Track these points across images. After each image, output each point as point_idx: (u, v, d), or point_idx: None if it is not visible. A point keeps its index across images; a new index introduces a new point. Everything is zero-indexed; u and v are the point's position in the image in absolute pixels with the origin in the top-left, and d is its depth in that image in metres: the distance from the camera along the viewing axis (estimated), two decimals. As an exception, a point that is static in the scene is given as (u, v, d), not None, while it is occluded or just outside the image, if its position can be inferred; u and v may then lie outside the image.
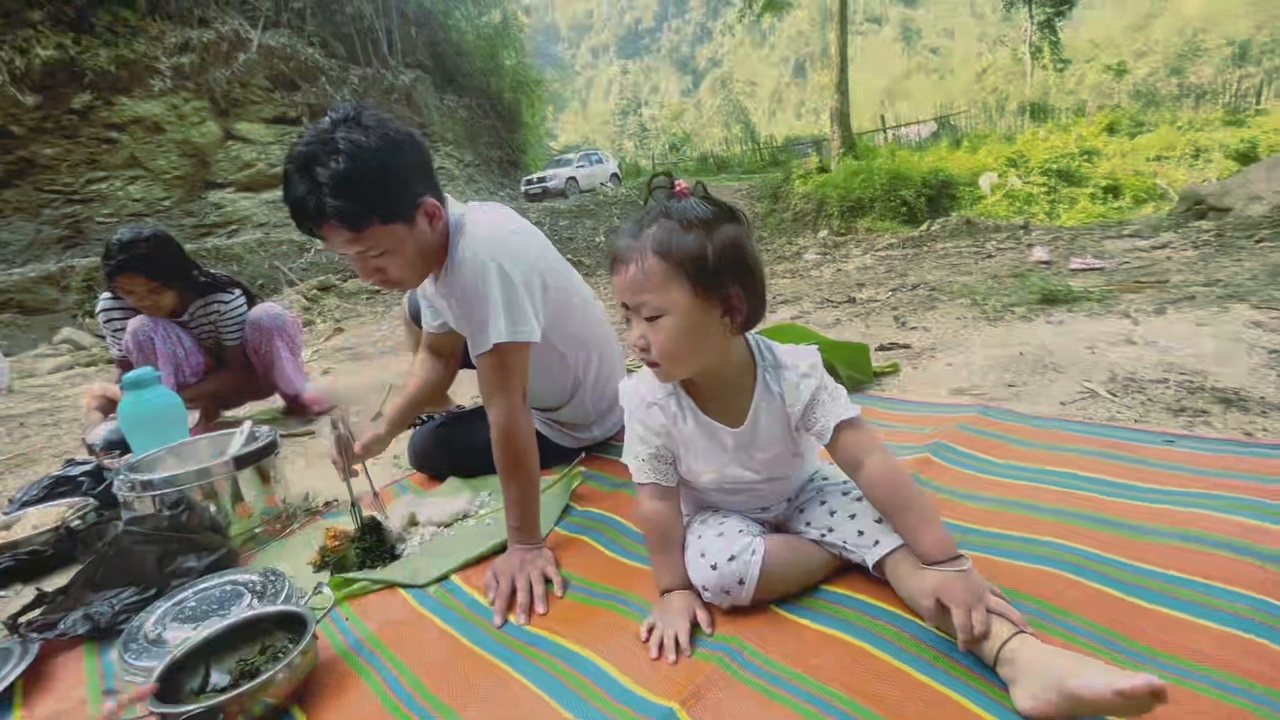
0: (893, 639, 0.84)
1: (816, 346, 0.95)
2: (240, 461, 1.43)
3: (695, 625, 0.92)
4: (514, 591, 1.09)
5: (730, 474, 0.96)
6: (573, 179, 16.40)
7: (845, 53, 13.97)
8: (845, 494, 0.97)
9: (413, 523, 1.38)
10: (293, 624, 0.99)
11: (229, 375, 2.36)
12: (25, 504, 1.61)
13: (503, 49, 18.81)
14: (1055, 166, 12.94)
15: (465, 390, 2.22)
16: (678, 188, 0.87)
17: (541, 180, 16.17)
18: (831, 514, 0.96)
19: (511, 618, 1.05)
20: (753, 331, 0.95)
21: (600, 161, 18.40)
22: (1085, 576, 0.90)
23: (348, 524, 1.34)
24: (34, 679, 1.05)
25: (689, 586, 0.96)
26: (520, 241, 1.28)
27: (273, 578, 1.19)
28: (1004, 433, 1.40)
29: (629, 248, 0.86)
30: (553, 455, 1.46)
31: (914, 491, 0.86)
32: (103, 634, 1.12)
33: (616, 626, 0.98)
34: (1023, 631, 0.75)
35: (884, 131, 19.93)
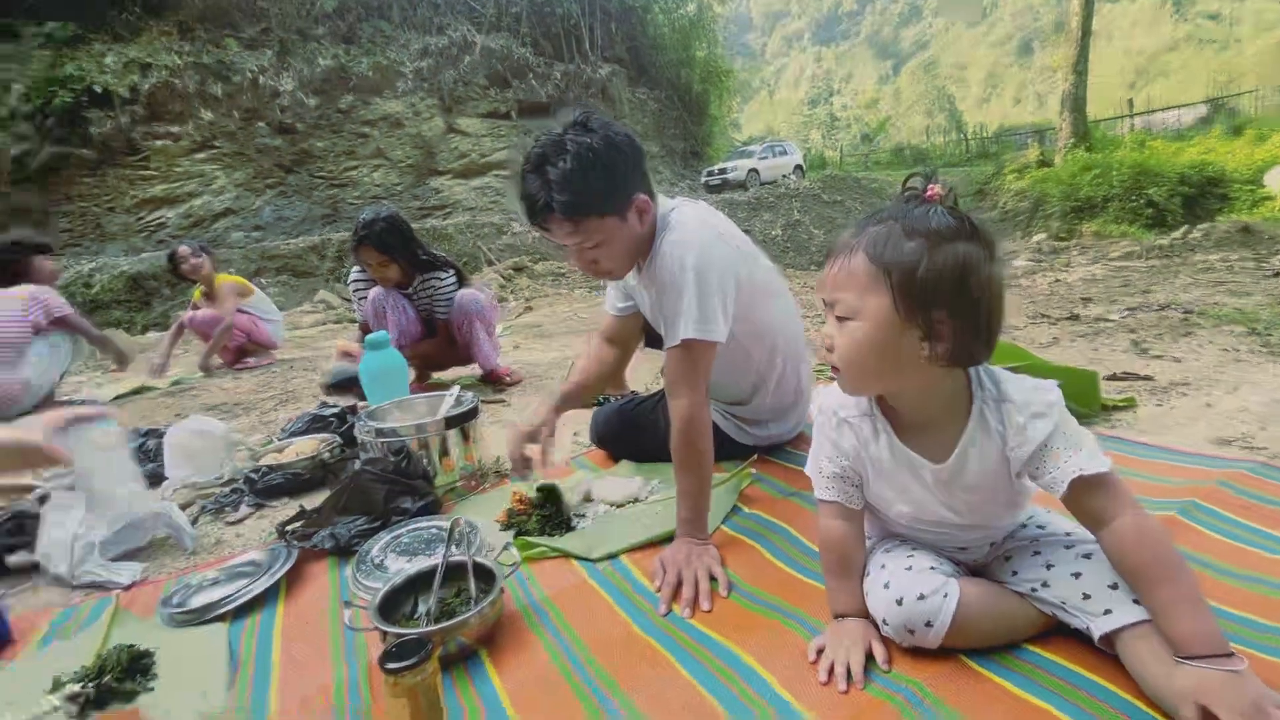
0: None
1: (1058, 383, 0.82)
2: (450, 422, 1.63)
3: (870, 657, 0.86)
4: (679, 583, 1.11)
5: (927, 511, 0.88)
6: (754, 171, 16.17)
7: (1089, 23, 11.98)
8: (1068, 547, 0.84)
9: (588, 499, 1.47)
10: (484, 575, 1.10)
11: (438, 344, 2.70)
12: (291, 434, 1.98)
13: (695, 40, 18.99)
14: (1384, 163, 10.05)
15: (641, 375, 2.30)
16: (930, 191, 0.80)
17: (722, 172, 16.16)
18: (1048, 568, 0.84)
19: (676, 608, 1.07)
20: None
21: (784, 153, 17.92)
22: None
23: (530, 491, 1.46)
24: (295, 577, 1.29)
25: (866, 615, 0.90)
26: (720, 243, 1.30)
27: (469, 529, 1.34)
28: (1290, 501, 1.12)
29: (844, 242, 0.81)
30: (727, 450, 1.46)
31: (1176, 563, 0.71)
32: (342, 552, 1.35)
33: (782, 640, 0.95)
34: None
35: (1130, 118, 16.89)
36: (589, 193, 1.17)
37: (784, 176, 16.42)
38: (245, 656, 1.07)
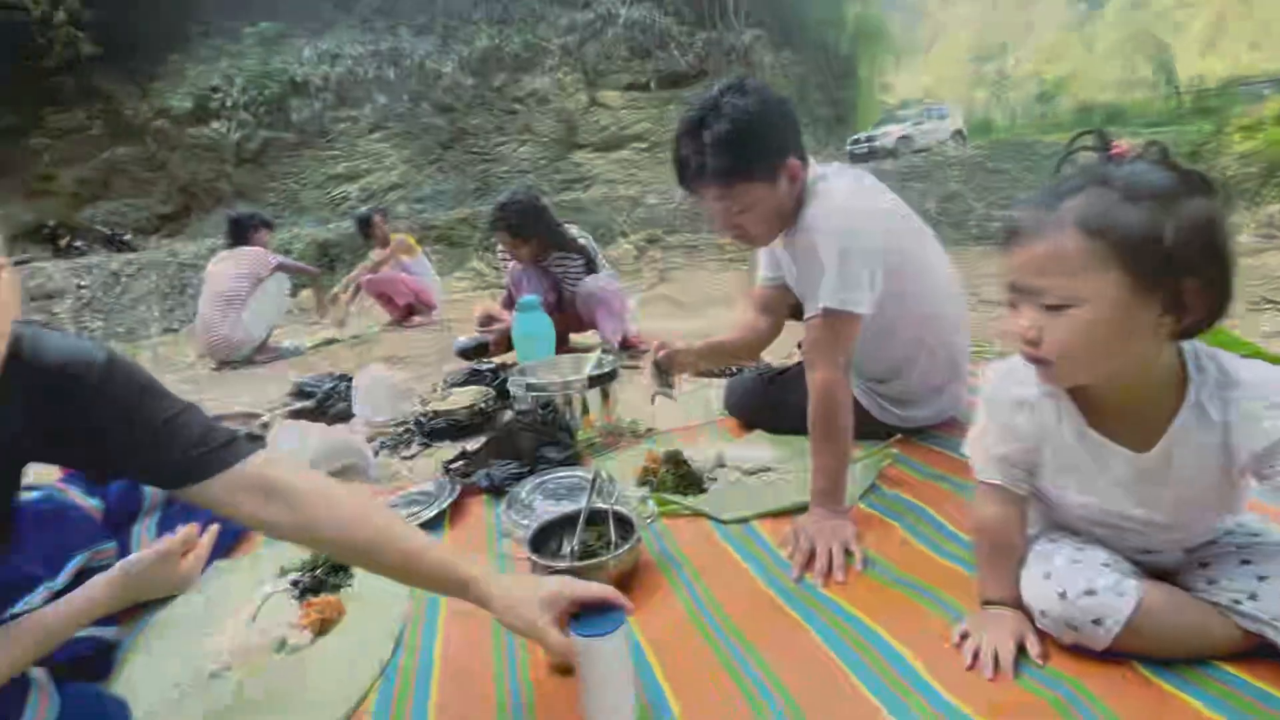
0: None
1: None
2: (592, 381, 1.73)
3: (1021, 650, 0.82)
4: (813, 553, 1.11)
5: (1112, 506, 0.80)
6: (905, 137, 14.94)
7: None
8: (1287, 558, 0.74)
9: (720, 464, 1.50)
10: (623, 523, 1.18)
11: (566, 318, 2.83)
12: (452, 386, 2.20)
13: (846, -1, 17.75)
14: None
15: (776, 347, 2.27)
16: (1116, 148, 0.72)
17: (869, 139, 15.11)
18: (1259, 579, 0.74)
19: (808, 577, 1.07)
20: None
21: (942, 117, 16.37)
22: None
23: (662, 451, 1.52)
24: (456, 510, 1.46)
25: (1019, 606, 0.85)
26: (869, 212, 1.25)
27: (608, 481, 1.43)
28: None
29: (1037, 220, 0.72)
30: (867, 428, 1.42)
31: None
32: (495, 491, 1.50)
33: (921, 620, 0.92)
34: None
35: None
36: (742, 157, 1.18)
37: (940, 143, 15.01)
38: (420, 570, 1.24)
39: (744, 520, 1.28)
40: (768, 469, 1.46)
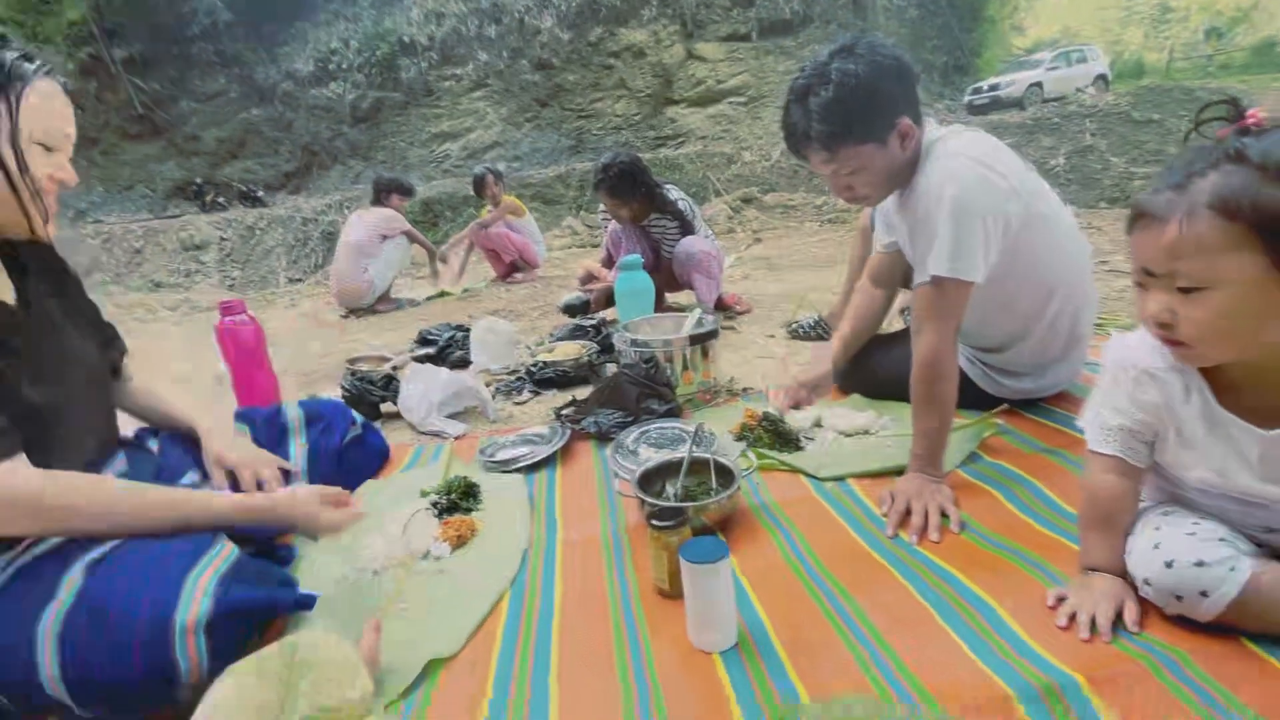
0: None
1: None
2: (693, 339, 1.80)
3: (1119, 618, 0.83)
4: (908, 512, 1.14)
5: (1240, 484, 0.79)
6: (1036, 85, 13.52)
7: None
8: None
9: (818, 424, 1.54)
10: (723, 473, 1.26)
11: (664, 277, 2.89)
12: (558, 339, 2.35)
13: (976, -75, 16.01)
14: None
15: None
16: (1250, 117, 0.68)
17: (992, 89, 13.79)
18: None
19: (903, 534, 1.11)
20: None
21: (1082, 60, 14.62)
22: None
23: (761, 409, 1.58)
24: (566, 451, 1.59)
25: (1122, 574, 0.86)
26: (987, 176, 1.21)
27: (708, 434, 1.51)
28: None
29: (1166, 201, 0.71)
30: (969, 398, 1.40)
31: None
32: (602, 437, 1.62)
33: (1019, 581, 0.95)
34: None
35: None
36: (848, 122, 1.18)
37: (1078, 90, 13.46)
38: (538, 501, 1.38)
39: (840, 479, 1.33)
40: (865, 432, 1.49)
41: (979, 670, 0.80)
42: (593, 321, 2.37)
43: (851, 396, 1.70)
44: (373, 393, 1.93)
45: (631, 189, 2.68)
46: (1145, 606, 0.84)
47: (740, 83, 14.23)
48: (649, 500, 1.18)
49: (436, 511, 1.32)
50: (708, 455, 1.28)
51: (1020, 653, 0.82)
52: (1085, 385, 1.55)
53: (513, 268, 4.54)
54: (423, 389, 1.84)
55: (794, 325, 2.40)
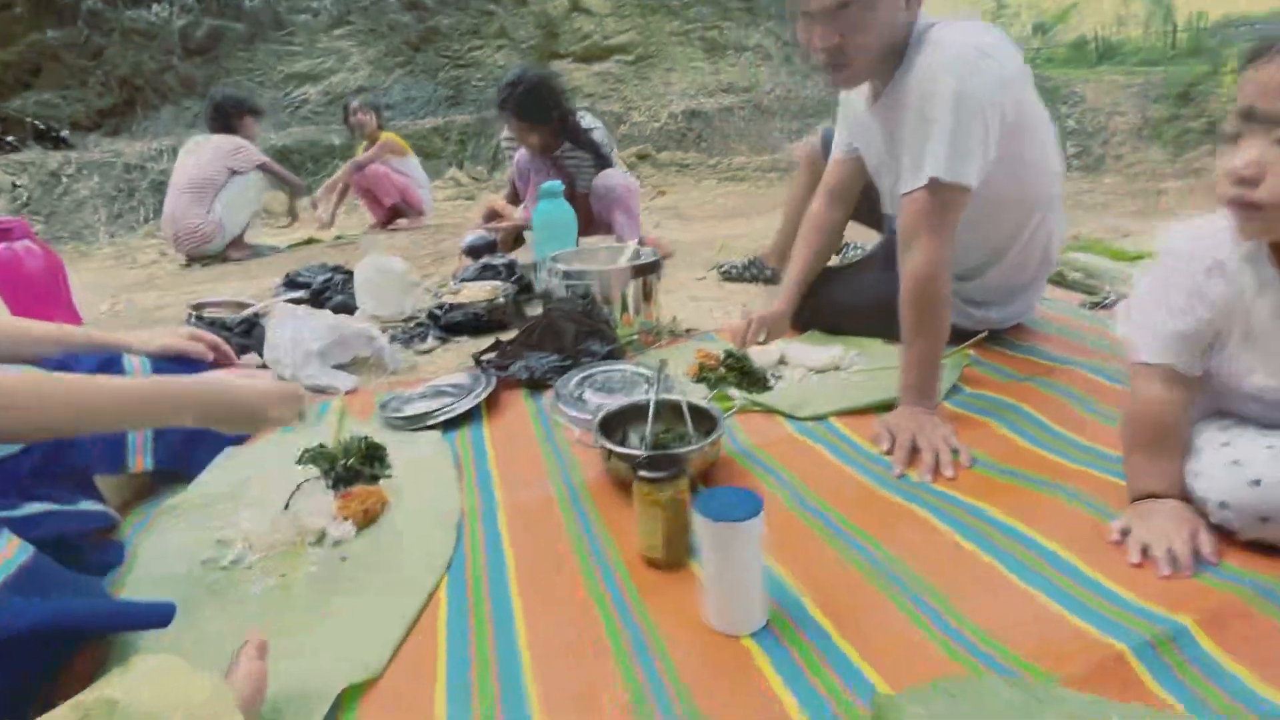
0: None
1: None
2: (636, 270, 1.56)
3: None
4: (913, 449, 1.01)
5: None
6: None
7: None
8: None
9: (782, 362, 1.38)
10: (699, 417, 1.05)
11: (579, 216, 2.60)
12: (464, 280, 2.01)
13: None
14: None
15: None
16: None
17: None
18: None
19: (911, 474, 0.97)
20: None
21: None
22: None
23: (716, 349, 1.39)
24: (492, 404, 1.31)
25: (1183, 498, 0.76)
26: (986, 64, 1.07)
27: (663, 375, 1.30)
28: None
29: None
30: None
31: None
32: (535, 385, 1.35)
33: (1063, 515, 0.83)
34: None
35: None
36: None
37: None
38: (465, 462, 1.10)
39: (822, 417, 1.17)
40: (835, 368, 1.35)
41: (1071, 626, 0.66)
42: (505, 260, 2.06)
43: (809, 333, 1.55)
44: (232, 341, 1.51)
45: (543, 111, 2.34)
46: (1220, 534, 0.74)
47: (627, 40, 13.80)
48: (618, 451, 0.95)
49: (330, 482, 1.01)
50: (678, 398, 1.06)
51: (1111, 600, 0.69)
52: (1040, 319, 1.51)
53: (394, 213, 4.00)
54: (296, 335, 1.46)
55: (725, 267, 2.24)
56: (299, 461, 1.06)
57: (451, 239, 3.52)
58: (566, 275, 1.55)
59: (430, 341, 1.70)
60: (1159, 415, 0.77)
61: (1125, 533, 0.76)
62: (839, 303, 1.51)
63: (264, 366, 1.49)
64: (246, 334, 1.52)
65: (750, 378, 1.30)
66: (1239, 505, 0.70)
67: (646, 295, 1.63)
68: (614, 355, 1.44)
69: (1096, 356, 1.30)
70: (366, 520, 0.92)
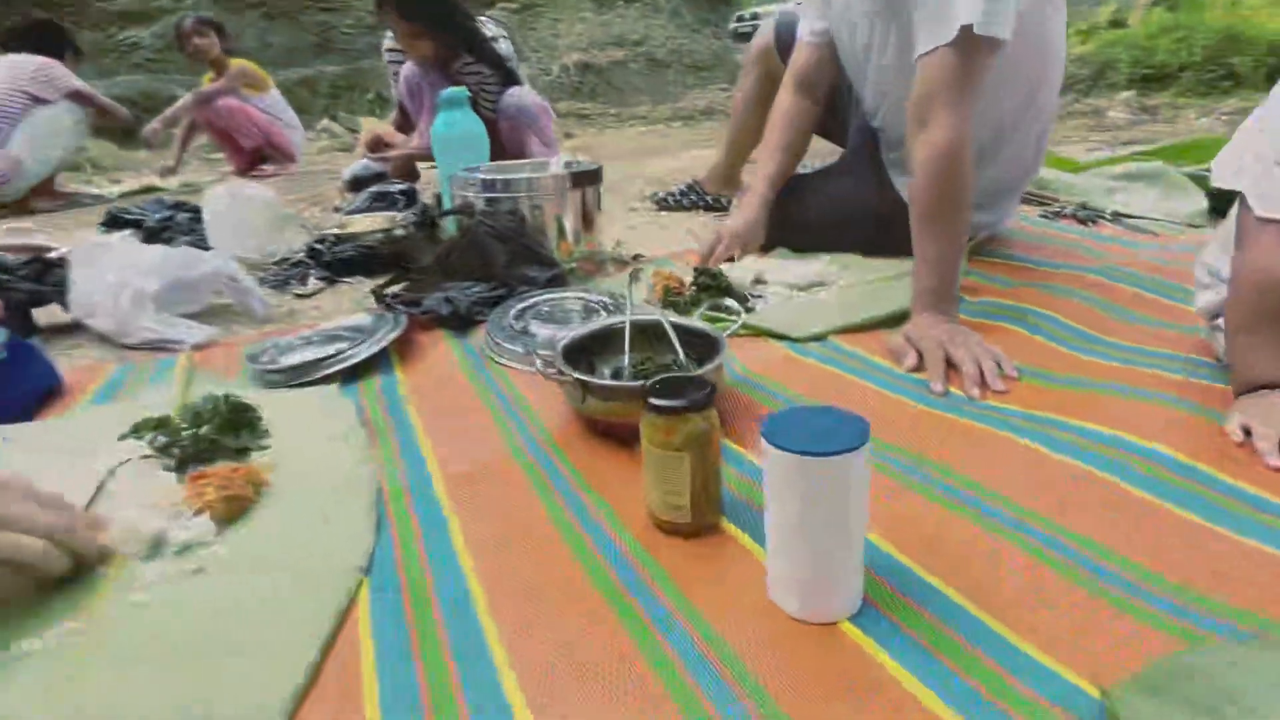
0: None
1: None
2: (576, 180, 1.29)
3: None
4: (947, 363, 0.83)
5: None
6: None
7: None
8: None
9: (760, 280, 1.17)
10: (691, 341, 0.81)
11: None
12: (352, 212, 1.64)
13: None
14: None
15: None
16: None
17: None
18: None
19: (953, 389, 0.80)
20: None
21: None
22: None
23: (681, 274, 1.17)
24: (405, 349, 1.01)
25: (1301, 386, 0.63)
26: None
27: (621, 300, 1.06)
28: None
29: None
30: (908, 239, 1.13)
31: None
32: (460, 321, 1.06)
33: (1151, 415, 0.68)
34: None
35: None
36: None
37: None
38: (378, 419, 0.81)
39: (821, 337, 0.98)
40: (820, 284, 1.16)
41: (1240, 546, 0.50)
42: (401, 187, 1.69)
43: (777, 251, 1.35)
44: (15, 287, 1.09)
45: (434, 9, 1.95)
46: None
47: (513, -14, 12.92)
48: (595, 383, 0.70)
49: (173, 462, 0.68)
50: (658, 317, 0.82)
51: (1236, 497, 0.55)
52: (1012, 229, 1.40)
53: (257, 158, 3.38)
54: (121, 275, 1.06)
55: (661, 196, 2.00)
56: (123, 437, 0.72)
57: (332, 183, 3.03)
58: (487, 187, 1.24)
59: (313, 283, 1.35)
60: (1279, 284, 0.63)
61: (1248, 432, 0.62)
62: (810, 216, 1.32)
63: (76, 324, 1.09)
64: (39, 279, 1.10)
65: (731, 297, 1.08)
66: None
67: (586, 218, 1.36)
68: (558, 281, 1.17)
69: (1093, 260, 1.20)
70: (232, 512, 0.61)
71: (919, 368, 0.84)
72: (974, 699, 0.40)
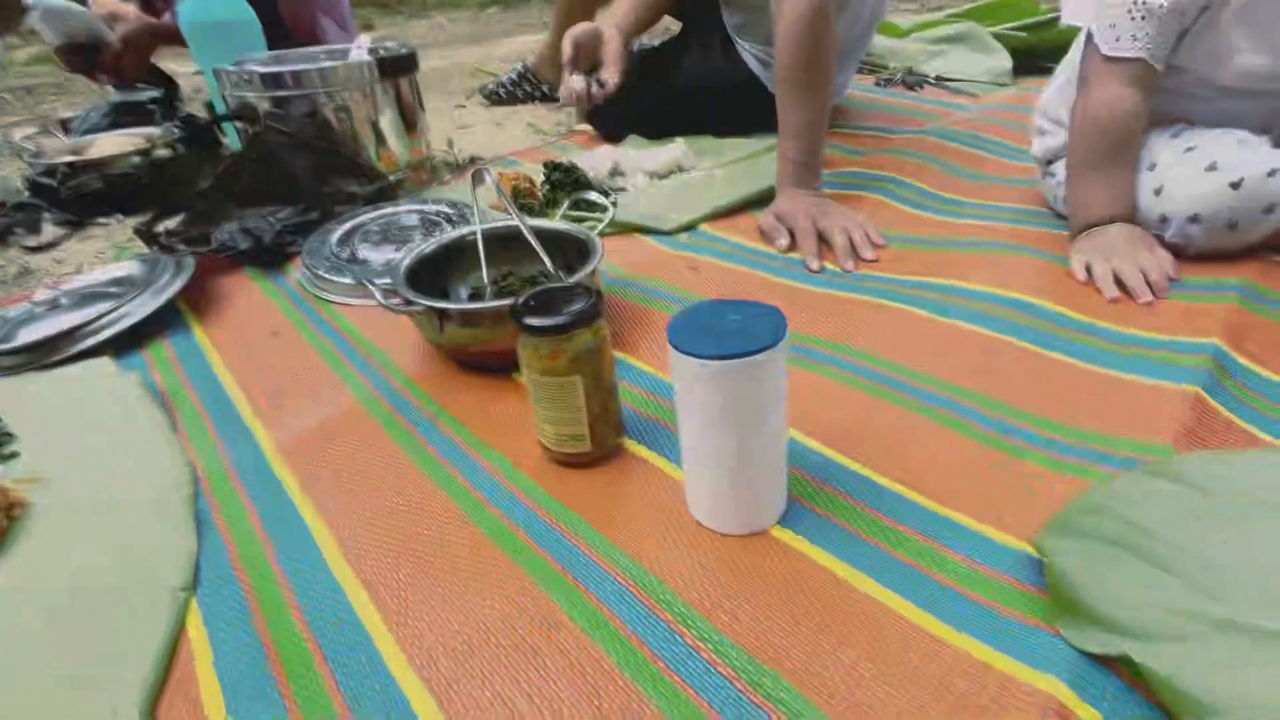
0: None
1: None
2: (385, 68, 1.06)
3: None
4: (818, 238, 0.81)
5: None
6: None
7: None
8: None
9: (616, 172, 1.07)
10: (557, 246, 0.71)
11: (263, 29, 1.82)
12: (90, 130, 1.26)
13: None
14: None
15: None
16: None
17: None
18: None
19: (828, 264, 0.79)
20: None
21: None
22: None
23: (529, 173, 1.04)
24: (197, 298, 0.81)
25: (1132, 220, 0.68)
26: None
27: (465, 209, 0.92)
28: None
29: None
30: (761, 113, 1.07)
31: None
32: (267, 255, 0.86)
33: (1012, 267, 0.71)
34: None
35: None
36: None
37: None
38: (176, 391, 0.64)
39: (691, 226, 0.92)
40: (680, 169, 1.09)
41: (1127, 385, 0.53)
42: (153, 94, 1.32)
43: (629, 139, 1.25)
44: None
45: None
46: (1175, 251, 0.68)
47: None
48: (455, 309, 0.59)
49: None
50: (516, 222, 0.71)
51: (1140, 344, 0.58)
52: (850, 98, 1.40)
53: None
54: None
55: (490, 88, 1.77)
56: None
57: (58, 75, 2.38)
58: (270, 83, 0.99)
59: (48, 231, 1.04)
60: (1121, 121, 0.66)
61: (1089, 270, 0.66)
62: (657, 97, 1.22)
63: None
64: None
65: (589, 190, 0.97)
66: (1212, 214, 0.63)
67: (407, 119, 1.15)
68: (385, 196, 0.99)
69: (927, 124, 1.23)
70: (-23, 547, 0.45)
71: (793, 247, 0.82)
72: (910, 576, 0.39)
